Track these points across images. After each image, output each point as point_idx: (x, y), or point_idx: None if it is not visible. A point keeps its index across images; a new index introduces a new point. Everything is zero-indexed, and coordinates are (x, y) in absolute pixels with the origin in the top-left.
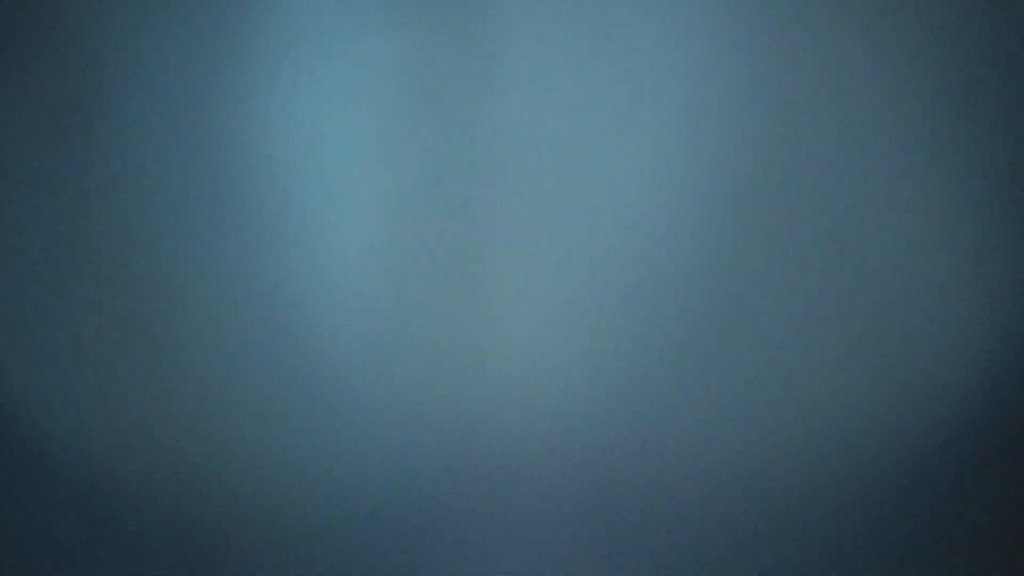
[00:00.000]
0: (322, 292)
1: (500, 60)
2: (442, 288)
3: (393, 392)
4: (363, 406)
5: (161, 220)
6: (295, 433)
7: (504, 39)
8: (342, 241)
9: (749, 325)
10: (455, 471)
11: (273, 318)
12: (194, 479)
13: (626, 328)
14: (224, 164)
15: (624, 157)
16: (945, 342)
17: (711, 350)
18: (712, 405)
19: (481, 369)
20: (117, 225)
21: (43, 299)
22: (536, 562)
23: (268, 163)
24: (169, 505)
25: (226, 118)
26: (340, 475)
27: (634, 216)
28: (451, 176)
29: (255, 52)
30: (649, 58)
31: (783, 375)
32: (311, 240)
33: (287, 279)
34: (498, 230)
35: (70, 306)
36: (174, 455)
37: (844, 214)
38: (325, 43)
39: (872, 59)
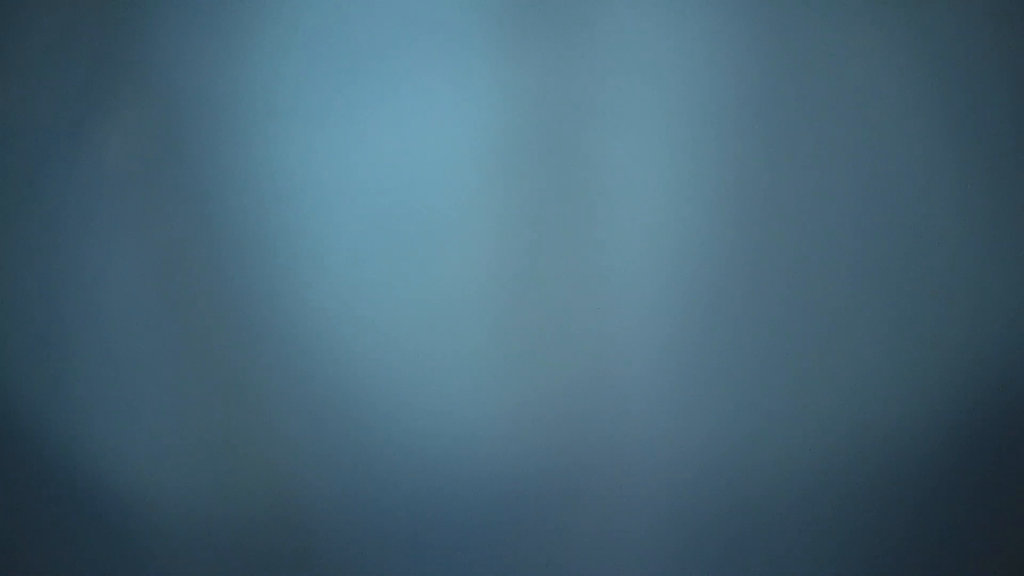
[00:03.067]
0: (324, 295)
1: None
2: (457, 293)
3: (420, 406)
4: (380, 413)
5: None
6: (302, 438)
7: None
8: (350, 250)
9: (773, 328)
10: (460, 478)
11: (276, 319)
12: (203, 486)
13: (645, 331)
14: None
15: (631, 157)
16: (960, 343)
17: (722, 354)
18: (726, 408)
19: (496, 376)
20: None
21: (44, 301)
22: (549, 567)
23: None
24: (179, 511)
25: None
26: (349, 480)
27: (648, 210)
28: (455, 178)
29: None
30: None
31: (802, 377)
32: (319, 248)
33: (288, 281)
34: (512, 234)
35: (75, 308)
36: (180, 460)
37: (858, 216)
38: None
39: (893, 53)
